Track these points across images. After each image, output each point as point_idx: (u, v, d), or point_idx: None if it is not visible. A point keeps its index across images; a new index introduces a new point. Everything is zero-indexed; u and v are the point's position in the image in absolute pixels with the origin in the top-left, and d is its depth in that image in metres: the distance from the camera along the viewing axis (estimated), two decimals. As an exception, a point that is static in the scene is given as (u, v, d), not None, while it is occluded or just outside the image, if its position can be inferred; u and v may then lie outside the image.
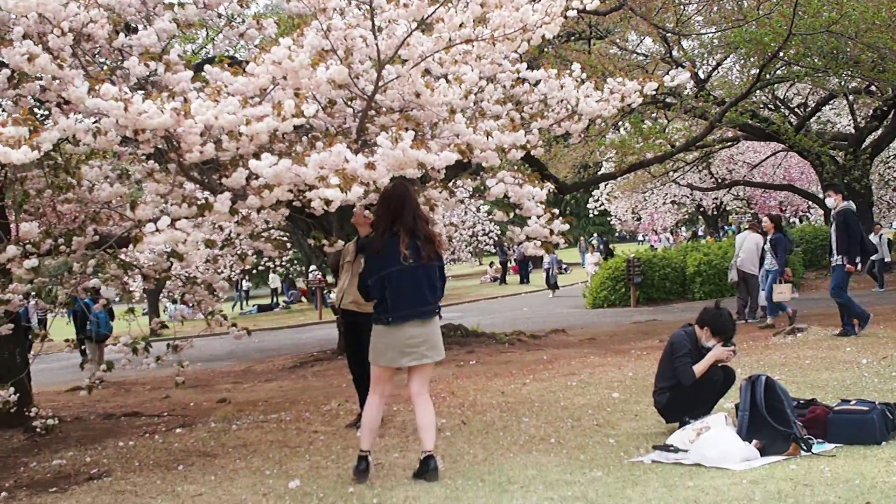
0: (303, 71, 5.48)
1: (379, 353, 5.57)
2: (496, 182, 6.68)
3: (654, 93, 7.29)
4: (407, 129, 5.39)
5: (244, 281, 38.30)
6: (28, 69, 5.21)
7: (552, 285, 29.54)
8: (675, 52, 18.01)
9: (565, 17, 6.14)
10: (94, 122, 5.46)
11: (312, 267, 31.90)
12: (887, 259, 19.35)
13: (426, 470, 5.37)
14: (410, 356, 5.47)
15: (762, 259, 13.96)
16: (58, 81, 5.43)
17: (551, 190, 6.82)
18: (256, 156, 5.27)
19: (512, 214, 6.97)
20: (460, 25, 5.98)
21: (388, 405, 7.37)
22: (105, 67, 6.17)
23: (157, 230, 5.39)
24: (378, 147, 5.35)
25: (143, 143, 5.58)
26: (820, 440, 5.50)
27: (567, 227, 6.82)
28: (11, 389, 7.44)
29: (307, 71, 5.49)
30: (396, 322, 5.46)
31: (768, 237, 13.75)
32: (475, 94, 6.57)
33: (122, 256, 7.66)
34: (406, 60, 6.06)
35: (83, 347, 14.14)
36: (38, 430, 8.16)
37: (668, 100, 17.42)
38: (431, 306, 5.55)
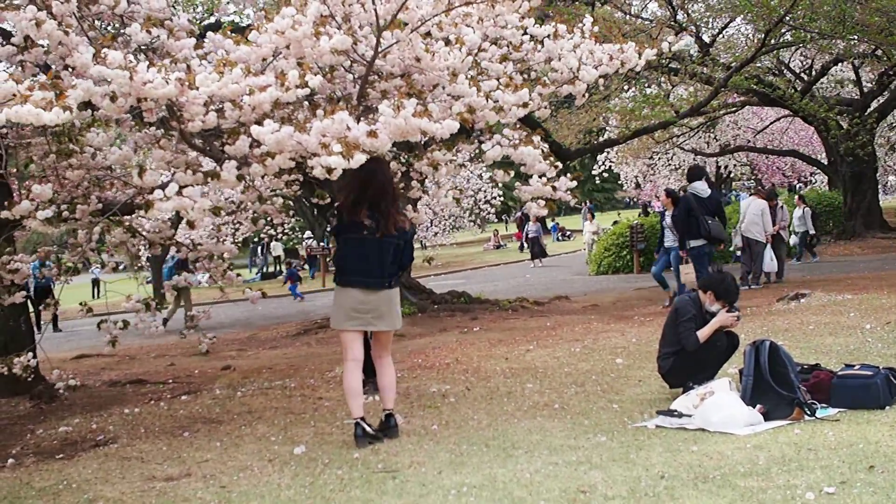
0: (306, 41, 5.45)
1: (333, 316, 5.83)
2: (492, 145, 6.56)
3: (655, 58, 7.17)
4: (410, 96, 5.35)
5: (261, 248, 37.95)
6: (35, 35, 5.19)
7: (537, 254, 28.39)
8: (679, 16, 17.82)
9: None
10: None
11: (308, 234, 31.63)
12: (811, 231, 19.61)
13: (387, 426, 5.75)
14: (356, 321, 5.71)
15: (663, 236, 13.46)
16: (62, 47, 5.39)
17: (545, 150, 6.63)
18: (259, 123, 5.24)
19: (513, 174, 6.88)
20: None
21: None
22: (107, 34, 6.11)
23: (166, 197, 5.38)
24: (380, 115, 5.31)
25: (146, 111, 5.56)
26: (824, 405, 5.51)
27: (575, 183, 6.66)
28: (30, 355, 7.51)
29: (310, 41, 5.45)
30: (343, 285, 5.74)
31: (667, 213, 13.18)
32: (475, 56, 6.47)
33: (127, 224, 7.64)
34: (406, 24, 5.99)
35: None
36: (61, 392, 8.41)
37: (672, 65, 17.27)
38: (379, 279, 5.71)
